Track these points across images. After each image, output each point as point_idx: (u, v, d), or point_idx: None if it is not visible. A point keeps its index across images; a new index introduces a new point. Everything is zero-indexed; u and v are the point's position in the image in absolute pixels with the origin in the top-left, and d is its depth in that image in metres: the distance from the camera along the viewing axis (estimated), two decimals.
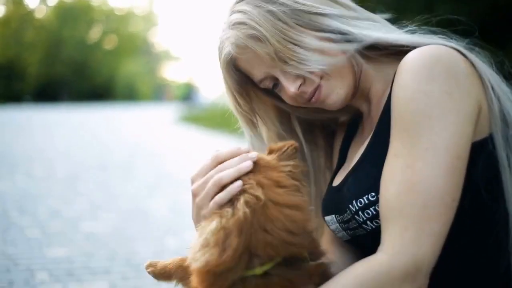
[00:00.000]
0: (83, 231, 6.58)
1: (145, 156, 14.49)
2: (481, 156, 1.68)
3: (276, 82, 1.94)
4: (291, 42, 1.81)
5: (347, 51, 1.83)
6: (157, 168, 12.30)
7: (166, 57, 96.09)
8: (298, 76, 1.86)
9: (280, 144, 1.70)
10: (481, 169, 1.68)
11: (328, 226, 2.02)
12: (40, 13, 69.98)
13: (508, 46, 10.80)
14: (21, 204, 8.08)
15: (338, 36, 1.83)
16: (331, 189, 2.02)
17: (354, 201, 1.79)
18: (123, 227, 6.82)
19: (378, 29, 1.88)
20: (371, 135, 1.84)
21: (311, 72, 1.83)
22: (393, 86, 1.72)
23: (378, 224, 1.74)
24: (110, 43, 74.42)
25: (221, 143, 17.80)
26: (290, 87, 1.88)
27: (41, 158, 13.71)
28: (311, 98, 1.89)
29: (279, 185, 1.56)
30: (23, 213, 7.49)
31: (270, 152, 1.69)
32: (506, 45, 10.84)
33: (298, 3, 1.84)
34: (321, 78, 1.86)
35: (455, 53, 1.69)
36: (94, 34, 72.92)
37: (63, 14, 67.29)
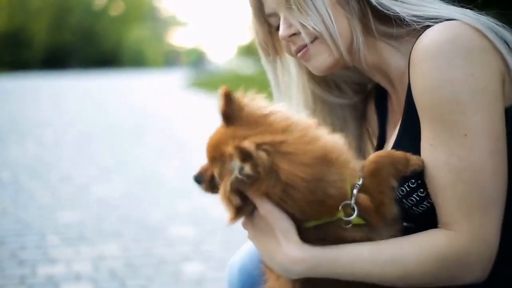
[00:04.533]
0: (94, 195, 6.60)
1: (154, 121, 14.50)
2: (509, 124, 1.65)
3: (278, 21, 1.88)
4: None
5: (354, 26, 1.77)
6: (166, 132, 12.30)
7: (173, 22, 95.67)
8: (293, 26, 1.81)
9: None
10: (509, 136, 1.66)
11: None
12: None
13: None
14: (32, 170, 8.10)
15: (355, 6, 1.76)
16: None
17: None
18: (133, 191, 6.83)
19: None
20: (400, 122, 1.79)
21: (305, 28, 1.77)
22: (411, 73, 1.67)
23: (424, 208, 1.73)
24: (116, 9, 74.02)
25: None
26: (283, 31, 1.83)
27: (51, 125, 13.74)
28: (298, 53, 1.85)
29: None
30: (34, 178, 7.51)
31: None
32: None
33: None
34: (315, 38, 1.79)
35: (468, 28, 1.62)
36: (101, 0, 72.55)
37: None
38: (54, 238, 5.13)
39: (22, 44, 59.14)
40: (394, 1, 1.74)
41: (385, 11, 1.73)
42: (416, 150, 1.69)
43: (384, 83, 1.93)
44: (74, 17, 65.08)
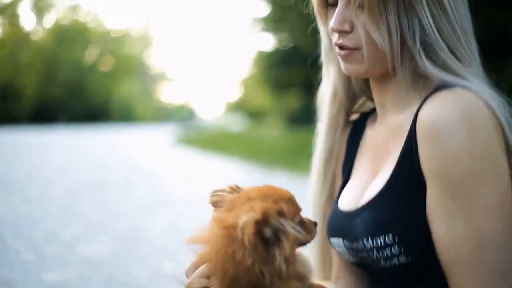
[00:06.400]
0: (79, 255, 6.52)
1: (142, 178, 14.44)
2: None
3: (335, 3, 1.82)
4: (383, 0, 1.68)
5: (397, 57, 1.74)
6: (154, 190, 12.25)
7: (163, 78, 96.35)
8: (350, 24, 1.76)
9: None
10: None
11: (333, 247, 1.99)
12: (36, 35, 70.10)
13: (504, 67, 10.87)
14: (17, 227, 8.02)
15: (417, 47, 1.71)
16: (338, 212, 1.96)
17: (369, 238, 1.76)
18: (120, 250, 6.77)
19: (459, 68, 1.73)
20: (391, 172, 1.76)
21: (367, 38, 1.72)
22: (419, 136, 1.66)
23: (394, 265, 1.73)
24: (106, 65, 74.53)
25: (217, 165, 17.78)
26: (335, 24, 1.77)
27: (37, 180, 13.65)
28: (338, 47, 1.81)
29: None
30: (19, 237, 7.43)
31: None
32: (502, 65, 10.90)
33: None
34: (358, 48, 1.76)
35: (483, 103, 1.63)
36: (90, 55, 73.01)
37: (59, 36, 67.41)
38: None
39: (10, 97, 59.34)
40: (432, 63, 1.72)
41: (418, 59, 1.73)
42: (400, 211, 1.69)
43: (378, 104, 1.94)
44: (64, 72, 65.46)
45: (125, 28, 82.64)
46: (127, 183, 13.40)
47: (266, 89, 35.80)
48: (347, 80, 2.05)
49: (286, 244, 1.53)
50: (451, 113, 1.60)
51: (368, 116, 2.09)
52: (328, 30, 1.90)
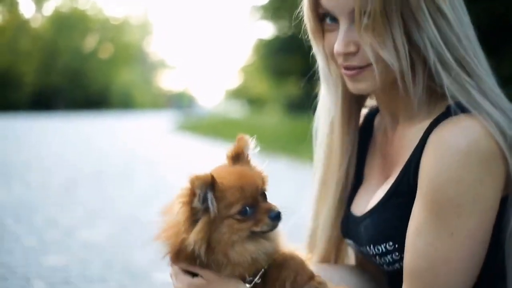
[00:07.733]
0: (79, 239, 6.56)
1: (141, 164, 14.47)
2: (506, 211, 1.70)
3: (334, 25, 1.78)
4: (387, 18, 1.65)
5: (414, 71, 1.73)
6: (153, 176, 12.28)
7: (162, 65, 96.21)
8: (355, 44, 1.72)
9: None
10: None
11: (348, 244, 2.07)
12: (36, 23, 69.94)
13: (503, 52, 10.93)
14: (17, 213, 8.06)
15: (430, 57, 1.68)
16: (349, 215, 2.00)
17: (372, 245, 1.83)
18: (119, 235, 6.81)
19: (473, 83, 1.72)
20: (392, 182, 1.81)
21: (377, 58, 1.68)
22: (424, 154, 1.68)
23: (395, 269, 1.80)
24: (105, 52, 74.38)
25: (217, 151, 17.81)
26: (341, 47, 1.73)
27: (37, 167, 13.68)
28: (345, 69, 1.77)
29: None
30: (19, 222, 7.46)
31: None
32: (501, 51, 10.96)
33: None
34: (368, 64, 1.72)
35: (485, 133, 1.63)
36: (90, 43, 72.86)
37: (59, 24, 67.25)
38: (39, 283, 5.09)
39: (10, 85, 59.13)
40: (448, 75, 1.70)
41: (436, 76, 1.71)
42: (399, 219, 1.75)
43: (386, 114, 1.94)
44: (63, 59, 65.33)
45: (125, 15, 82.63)
46: (126, 169, 13.43)
47: (266, 77, 35.76)
48: (350, 96, 1.99)
49: (201, 222, 1.74)
50: (457, 143, 1.62)
51: (374, 114, 2.11)
52: (325, 53, 1.86)
